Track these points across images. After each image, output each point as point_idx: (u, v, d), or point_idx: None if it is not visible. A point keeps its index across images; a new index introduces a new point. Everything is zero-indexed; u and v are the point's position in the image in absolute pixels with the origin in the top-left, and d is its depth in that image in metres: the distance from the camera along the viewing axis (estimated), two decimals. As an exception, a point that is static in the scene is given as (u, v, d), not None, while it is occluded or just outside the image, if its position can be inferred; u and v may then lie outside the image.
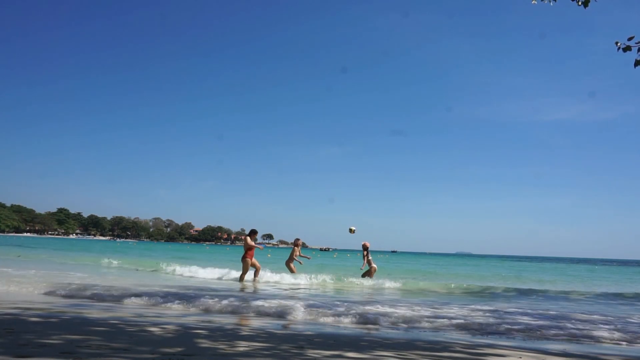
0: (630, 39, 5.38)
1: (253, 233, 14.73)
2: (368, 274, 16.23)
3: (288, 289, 12.74)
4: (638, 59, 5.34)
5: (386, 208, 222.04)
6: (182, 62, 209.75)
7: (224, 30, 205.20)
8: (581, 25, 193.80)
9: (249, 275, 14.77)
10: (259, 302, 8.54)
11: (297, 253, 16.62)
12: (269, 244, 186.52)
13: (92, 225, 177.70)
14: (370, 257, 16.36)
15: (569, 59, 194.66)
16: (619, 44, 5.40)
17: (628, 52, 5.38)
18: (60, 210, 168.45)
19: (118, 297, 9.18)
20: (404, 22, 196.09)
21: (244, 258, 14.52)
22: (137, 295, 9.27)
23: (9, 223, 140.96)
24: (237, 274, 15.23)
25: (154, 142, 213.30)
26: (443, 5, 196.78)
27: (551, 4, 5.90)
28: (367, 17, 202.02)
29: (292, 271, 16.14)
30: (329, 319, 7.52)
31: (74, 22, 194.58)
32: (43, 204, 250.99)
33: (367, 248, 16.39)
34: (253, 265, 14.61)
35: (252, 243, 14.56)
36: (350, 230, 15.88)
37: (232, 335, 5.72)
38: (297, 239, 16.62)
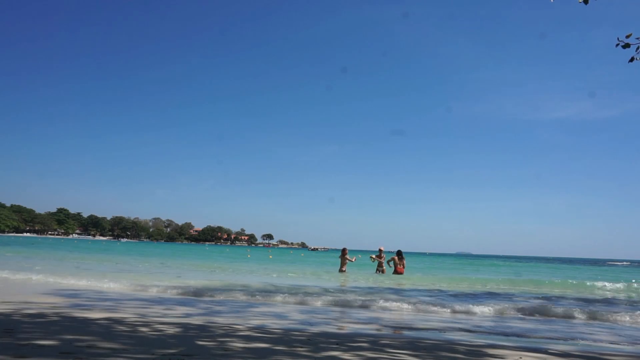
0: (628, 36, 5.35)
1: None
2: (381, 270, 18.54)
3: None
4: (634, 56, 5.33)
5: (386, 208, 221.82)
6: (182, 64, 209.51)
7: (224, 33, 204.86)
8: (581, 24, 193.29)
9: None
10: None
11: (347, 258, 19.13)
12: (269, 244, 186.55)
13: (92, 225, 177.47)
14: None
15: (568, 57, 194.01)
16: (619, 41, 5.38)
17: (627, 49, 5.36)
18: (60, 210, 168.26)
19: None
20: (404, 22, 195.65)
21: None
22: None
23: (9, 223, 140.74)
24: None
25: (154, 143, 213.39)
26: (443, 5, 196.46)
27: (551, 0, 5.86)
28: (367, 18, 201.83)
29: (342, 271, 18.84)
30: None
31: (74, 24, 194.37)
32: (43, 204, 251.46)
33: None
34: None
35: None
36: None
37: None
38: (345, 248, 19.05)
